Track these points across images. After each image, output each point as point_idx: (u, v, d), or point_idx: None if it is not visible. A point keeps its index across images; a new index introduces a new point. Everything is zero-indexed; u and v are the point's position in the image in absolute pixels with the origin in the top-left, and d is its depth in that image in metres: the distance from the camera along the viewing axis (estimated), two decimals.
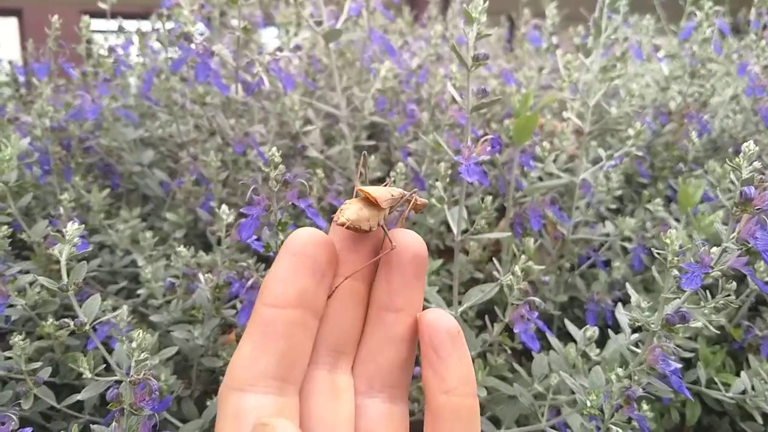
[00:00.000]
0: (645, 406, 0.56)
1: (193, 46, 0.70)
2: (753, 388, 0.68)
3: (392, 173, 0.80)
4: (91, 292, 0.76)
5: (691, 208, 0.81)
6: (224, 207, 0.55)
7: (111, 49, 1.06)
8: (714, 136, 1.07)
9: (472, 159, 0.58)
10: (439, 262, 0.75)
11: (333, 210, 0.84)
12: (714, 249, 0.47)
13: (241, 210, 0.53)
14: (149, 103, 1.00)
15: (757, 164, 0.46)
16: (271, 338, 0.30)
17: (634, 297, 0.51)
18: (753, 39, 1.02)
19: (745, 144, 0.46)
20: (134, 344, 0.45)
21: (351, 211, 0.32)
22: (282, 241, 0.58)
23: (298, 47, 0.96)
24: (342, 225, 0.32)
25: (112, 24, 1.18)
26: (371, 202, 0.33)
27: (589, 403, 0.50)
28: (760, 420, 0.70)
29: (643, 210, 0.92)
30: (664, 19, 1.54)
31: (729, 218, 0.48)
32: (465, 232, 0.63)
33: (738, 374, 0.78)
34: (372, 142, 0.97)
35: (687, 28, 1.09)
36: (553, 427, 0.60)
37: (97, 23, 1.13)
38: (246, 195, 0.53)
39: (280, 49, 0.73)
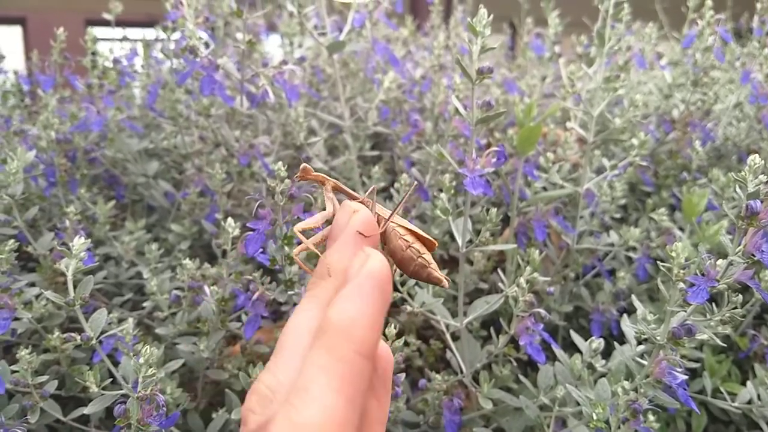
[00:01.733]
0: (651, 417, 0.56)
1: (198, 59, 0.71)
2: (759, 398, 0.68)
3: (396, 184, 0.80)
4: (96, 304, 0.76)
5: (696, 218, 0.81)
6: (230, 220, 0.55)
7: (116, 61, 1.06)
8: (717, 144, 1.07)
9: (477, 171, 0.58)
10: (444, 272, 0.75)
11: None
12: (720, 261, 0.47)
13: (248, 224, 0.53)
14: (154, 114, 1.00)
15: (762, 177, 0.46)
16: (360, 395, 0.26)
17: (640, 309, 0.51)
18: (756, 47, 1.02)
19: (750, 158, 0.46)
20: (142, 360, 0.45)
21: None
22: (288, 255, 0.58)
23: (302, 59, 0.96)
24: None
25: (116, 32, 1.19)
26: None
27: (595, 416, 0.50)
28: (766, 429, 0.70)
29: (648, 219, 0.91)
30: (666, 26, 1.54)
31: (733, 228, 0.48)
32: (470, 242, 0.63)
33: (744, 383, 0.78)
34: (376, 152, 0.98)
35: (689, 37, 1.09)
36: None
37: (101, 31, 1.14)
38: (251, 208, 0.54)
39: (284, 62, 0.74)
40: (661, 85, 1.29)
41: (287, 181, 0.51)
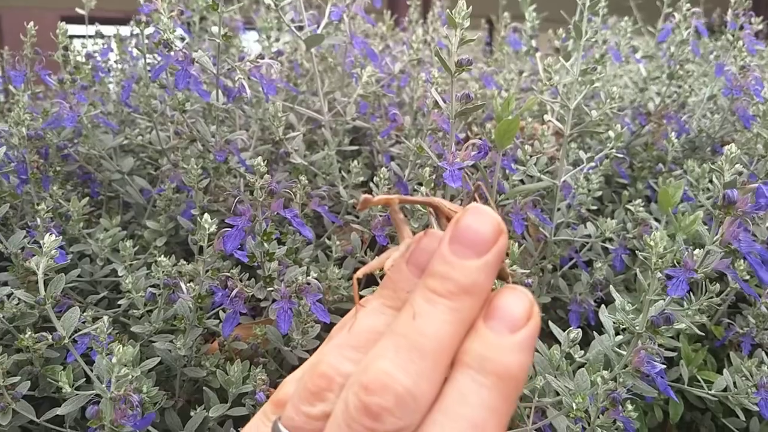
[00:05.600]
0: (629, 407, 0.56)
1: (172, 53, 0.69)
2: (735, 385, 0.69)
3: (375, 178, 0.79)
4: (70, 303, 0.75)
5: (672, 208, 0.81)
6: (206, 216, 0.55)
7: (89, 56, 1.04)
8: (692, 136, 1.08)
9: (456, 165, 0.58)
10: None
11: (317, 217, 0.83)
12: (697, 251, 0.47)
13: (226, 221, 0.52)
14: (129, 110, 0.98)
15: (738, 167, 0.46)
16: None
17: (619, 300, 0.52)
18: (730, 40, 1.03)
19: (726, 147, 0.47)
20: (114, 359, 0.44)
21: None
22: (268, 252, 0.57)
23: (279, 53, 0.95)
24: None
25: (91, 29, 1.17)
26: None
27: (575, 406, 0.50)
28: (742, 416, 0.71)
29: (624, 211, 0.92)
30: (641, 20, 1.56)
31: (710, 218, 0.48)
32: None
33: (719, 371, 0.79)
34: (355, 147, 0.97)
35: (665, 30, 1.10)
36: (538, 430, 0.60)
37: (77, 29, 1.12)
38: (229, 204, 0.53)
39: (261, 56, 0.73)
40: (636, 78, 1.31)
41: (266, 176, 0.50)
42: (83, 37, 1.15)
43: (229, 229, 0.52)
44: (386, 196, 0.32)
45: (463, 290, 0.27)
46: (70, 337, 0.53)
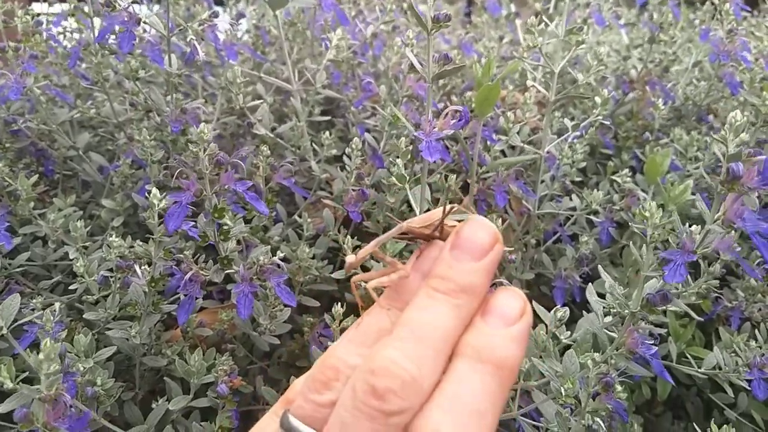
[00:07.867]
0: (618, 387, 0.53)
1: (116, 13, 0.63)
2: (724, 362, 0.66)
3: (348, 150, 0.75)
4: (18, 289, 0.69)
5: (660, 178, 0.78)
6: (155, 191, 0.49)
7: (38, 23, 0.97)
8: (678, 104, 1.05)
9: (434, 135, 0.53)
10: (402, 244, 0.70)
11: (283, 190, 0.78)
12: (694, 228, 0.43)
13: (168, 196, 0.47)
14: (85, 84, 0.92)
15: (744, 136, 0.41)
16: None
17: (609, 282, 0.47)
18: (715, 3, 0.99)
19: (731, 114, 0.42)
20: (41, 356, 0.39)
21: None
22: (224, 230, 0.52)
23: (241, 15, 0.89)
24: None
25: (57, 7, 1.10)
26: None
27: (563, 392, 0.46)
28: (730, 392, 0.69)
29: (609, 182, 0.89)
30: None
31: (698, 188, 0.44)
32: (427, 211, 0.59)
33: (707, 346, 0.76)
34: (326, 118, 0.92)
35: None
36: (524, 416, 0.57)
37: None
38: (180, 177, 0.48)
39: (215, 14, 0.67)
40: (618, 47, 1.27)
41: (213, 145, 0.45)
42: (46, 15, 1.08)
43: (173, 206, 0.47)
44: (366, 251, 0.34)
45: (462, 289, 0.30)
46: (9, 326, 0.48)
